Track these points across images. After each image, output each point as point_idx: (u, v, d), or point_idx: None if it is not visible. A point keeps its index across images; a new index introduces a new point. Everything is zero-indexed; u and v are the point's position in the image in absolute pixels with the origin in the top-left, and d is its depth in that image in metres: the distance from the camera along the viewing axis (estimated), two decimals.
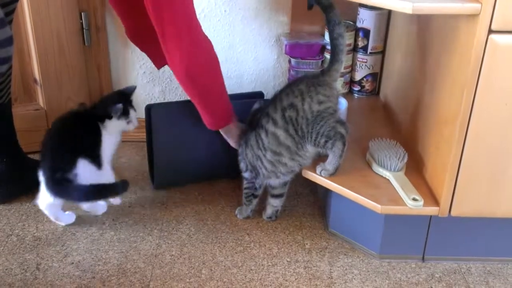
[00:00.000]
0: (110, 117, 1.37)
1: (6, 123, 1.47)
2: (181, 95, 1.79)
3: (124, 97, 1.41)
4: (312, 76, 1.27)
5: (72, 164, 1.28)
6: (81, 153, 1.30)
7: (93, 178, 1.30)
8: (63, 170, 1.28)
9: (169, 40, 1.21)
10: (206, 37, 1.29)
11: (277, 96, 1.27)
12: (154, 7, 1.17)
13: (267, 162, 1.30)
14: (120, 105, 1.36)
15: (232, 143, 1.41)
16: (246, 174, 1.37)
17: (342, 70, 1.32)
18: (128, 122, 1.40)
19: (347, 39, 1.62)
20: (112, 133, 1.38)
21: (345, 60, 1.23)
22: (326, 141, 1.23)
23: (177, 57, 1.22)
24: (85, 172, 1.29)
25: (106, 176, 1.36)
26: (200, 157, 1.51)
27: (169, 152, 1.48)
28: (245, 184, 1.39)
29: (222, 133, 1.40)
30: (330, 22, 1.21)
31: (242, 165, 1.37)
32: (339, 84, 1.68)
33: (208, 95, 1.32)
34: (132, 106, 1.42)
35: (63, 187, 1.28)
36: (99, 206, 1.43)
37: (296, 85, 1.25)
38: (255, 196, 1.40)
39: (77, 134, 1.34)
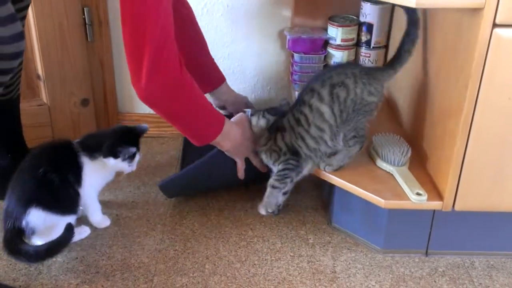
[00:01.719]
0: (116, 157, 1.29)
1: (14, 118, 1.47)
2: None
3: (135, 138, 1.34)
4: (367, 68, 1.28)
5: (23, 212, 1.20)
6: (34, 201, 1.21)
7: (48, 227, 1.22)
8: (14, 218, 1.20)
9: (136, 60, 1.11)
10: (176, 61, 1.17)
11: (323, 75, 1.24)
12: (133, 19, 1.09)
13: (310, 138, 1.26)
14: (134, 150, 1.31)
15: (224, 150, 1.34)
16: (275, 167, 1.32)
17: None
18: (129, 166, 1.33)
19: (350, 34, 1.62)
20: (105, 170, 1.32)
21: (399, 71, 1.27)
22: (353, 137, 1.25)
23: (142, 80, 1.12)
24: (38, 221, 1.21)
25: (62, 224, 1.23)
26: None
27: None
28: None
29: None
30: (409, 35, 1.23)
31: (268, 157, 1.32)
32: None
33: (175, 119, 1.24)
34: (139, 150, 1.34)
35: (15, 243, 1.19)
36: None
37: (349, 68, 1.24)
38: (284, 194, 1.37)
39: (38, 179, 1.23)
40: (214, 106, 1.55)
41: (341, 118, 1.22)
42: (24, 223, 1.20)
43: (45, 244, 1.20)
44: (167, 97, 1.18)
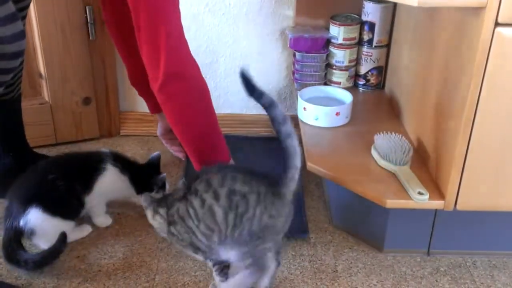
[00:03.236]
0: (151, 190, 1.35)
1: (15, 118, 1.47)
2: None
3: (157, 167, 1.40)
4: (271, 182, 1.06)
5: (22, 211, 1.21)
6: (35, 201, 1.22)
7: (47, 229, 1.23)
8: (12, 217, 1.21)
9: (151, 48, 1.12)
10: (193, 63, 1.18)
11: (227, 170, 1.08)
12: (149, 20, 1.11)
13: (201, 234, 1.09)
14: (164, 175, 1.37)
15: None
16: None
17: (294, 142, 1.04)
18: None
19: (352, 33, 1.62)
20: (121, 187, 1.34)
21: (300, 164, 1.04)
22: (249, 264, 1.08)
23: (161, 63, 1.11)
24: (36, 222, 1.22)
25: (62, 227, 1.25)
26: None
27: None
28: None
29: None
30: (274, 121, 1.01)
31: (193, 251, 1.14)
32: (344, 78, 1.68)
33: (187, 126, 1.19)
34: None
35: (12, 247, 1.20)
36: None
37: (255, 181, 1.05)
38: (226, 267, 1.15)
39: (45, 180, 1.25)
40: (161, 129, 1.61)
41: (233, 233, 1.06)
42: (22, 222, 1.21)
43: (36, 254, 1.21)
44: (182, 94, 1.16)
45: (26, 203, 1.22)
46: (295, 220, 1.37)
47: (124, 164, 1.36)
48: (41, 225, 1.22)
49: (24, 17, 1.32)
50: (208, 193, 1.06)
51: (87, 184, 1.30)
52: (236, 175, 1.06)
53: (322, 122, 1.47)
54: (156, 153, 1.42)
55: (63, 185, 1.25)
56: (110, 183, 1.33)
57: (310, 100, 1.49)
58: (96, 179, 1.31)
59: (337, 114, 1.45)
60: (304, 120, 1.50)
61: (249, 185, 1.04)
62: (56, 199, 1.25)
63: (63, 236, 1.21)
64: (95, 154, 1.36)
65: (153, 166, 1.40)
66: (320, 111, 1.46)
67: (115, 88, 1.77)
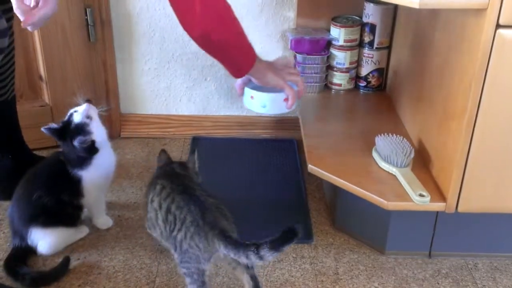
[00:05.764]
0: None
1: (11, 120, 1.47)
2: (186, 92, 1.79)
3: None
4: (209, 220, 1.07)
5: (26, 232, 1.24)
6: (34, 221, 1.24)
7: (53, 239, 1.26)
8: (19, 237, 1.24)
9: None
10: None
11: (172, 188, 1.14)
12: None
13: (150, 212, 1.19)
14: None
15: (262, 82, 1.35)
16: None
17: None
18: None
19: (353, 34, 1.62)
20: (103, 169, 1.30)
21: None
22: (183, 273, 1.11)
23: (195, 16, 1.16)
24: (42, 238, 1.25)
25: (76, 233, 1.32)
26: None
27: None
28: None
29: (250, 76, 1.34)
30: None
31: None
32: (345, 80, 1.67)
33: (225, 49, 1.27)
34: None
35: (14, 263, 1.21)
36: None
37: (189, 207, 1.09)
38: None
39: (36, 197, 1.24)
40: None
41: (173, 240, 1.11)
42: (29, 241, 1.24)
43: (36, 272, 1.22)
44: (220, 22, 1.21)
45: (26, 225, 1.24)
46: (300, 225, 1.38)
47: (71, 156, 1.27)
48: (45, 239, 1.25)
49: (11, 18, 1.31)
50: (158, 197, 1.15)
51: (74, 193, 1.28)
52: (175, 197, 1.12)
53: (271, 110, 1.40)
54: None
55: (50, 199, 1.24)
56: (93, 180, 1.29)
57: (256, 88, 1.40)
58: (80, 187, 1.28)
59: (285, 100, 1.38)
60: (253, 109, 1.43)
61: (180, 210, 1.10)
62: (51, 213, 1.25)
63: (66, 261, 1.23)
64: (62, 164, 1.29)
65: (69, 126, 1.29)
66: (267, 98, 1.38)
67: (116, 90, 1.77)
